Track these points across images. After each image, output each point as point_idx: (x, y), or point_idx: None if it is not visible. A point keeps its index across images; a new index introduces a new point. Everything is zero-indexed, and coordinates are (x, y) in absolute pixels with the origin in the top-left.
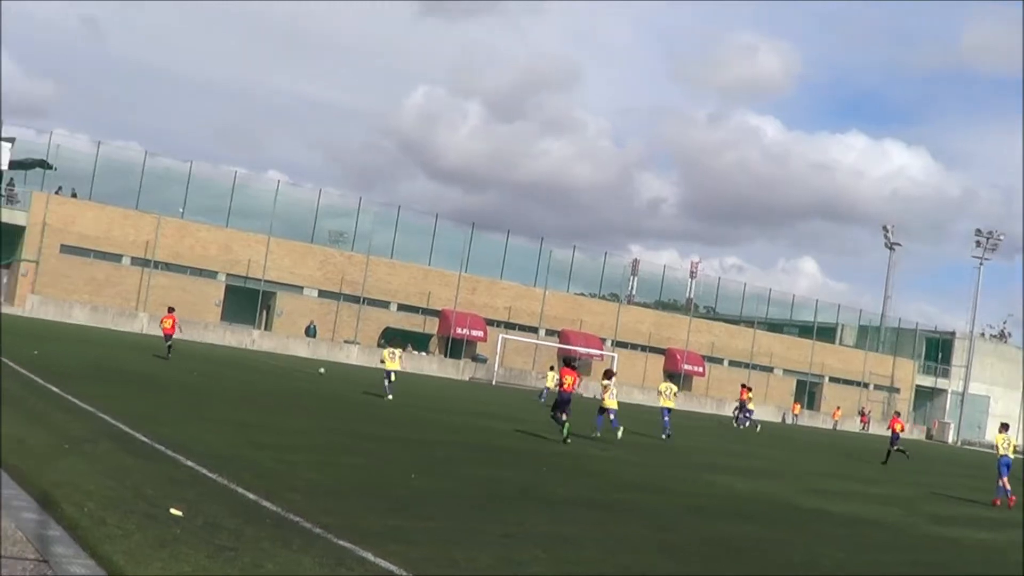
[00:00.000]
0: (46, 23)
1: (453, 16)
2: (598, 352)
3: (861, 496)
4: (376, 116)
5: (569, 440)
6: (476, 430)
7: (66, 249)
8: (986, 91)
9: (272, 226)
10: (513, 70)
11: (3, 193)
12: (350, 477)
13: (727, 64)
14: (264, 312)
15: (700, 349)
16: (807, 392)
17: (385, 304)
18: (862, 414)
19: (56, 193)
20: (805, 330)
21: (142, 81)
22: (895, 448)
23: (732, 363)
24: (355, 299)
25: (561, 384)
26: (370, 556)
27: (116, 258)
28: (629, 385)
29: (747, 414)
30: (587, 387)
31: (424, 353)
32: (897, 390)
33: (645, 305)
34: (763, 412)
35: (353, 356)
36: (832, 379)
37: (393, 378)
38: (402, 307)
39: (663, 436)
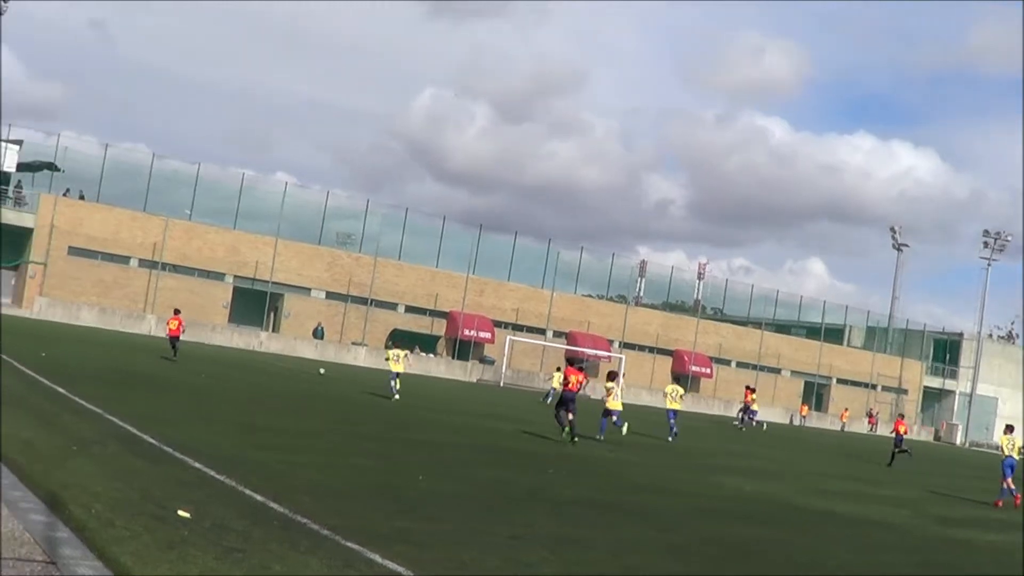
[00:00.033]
0: (54, 25)
1: (460, 18)
2: (606, 353)
3: (868, 497)
4: (383, 118)
5: (576, 440)
6: (483, 432)
7: (74, 251)
8: (995, 92)
9: (280, 228)
10: (521, 72)
11: (11, 195)
12: (357, 479)
13: (735, 65)
14: (272, 314)
15: (708, 350)
16: (815, 393)
17: (393, 306)
18: (870, 415)
19: (64, 195)
20: (813, 331)
21: (150, 83)
22: (899, 450)
23: (740, 364)
24: (363, 301)
25: (565, 383)
26: (378, 558)
27: (124, 260)
28: (637, 387)
29: (751, 415)
30: (594, 388)
31: (432, 355)
32: (905, 391)
33: (653, 307)
34: (771, 414)
35: (361, 358)
36: (840, 380)
37: (398, 381)
38: (410, 309)
39: (669, 438)
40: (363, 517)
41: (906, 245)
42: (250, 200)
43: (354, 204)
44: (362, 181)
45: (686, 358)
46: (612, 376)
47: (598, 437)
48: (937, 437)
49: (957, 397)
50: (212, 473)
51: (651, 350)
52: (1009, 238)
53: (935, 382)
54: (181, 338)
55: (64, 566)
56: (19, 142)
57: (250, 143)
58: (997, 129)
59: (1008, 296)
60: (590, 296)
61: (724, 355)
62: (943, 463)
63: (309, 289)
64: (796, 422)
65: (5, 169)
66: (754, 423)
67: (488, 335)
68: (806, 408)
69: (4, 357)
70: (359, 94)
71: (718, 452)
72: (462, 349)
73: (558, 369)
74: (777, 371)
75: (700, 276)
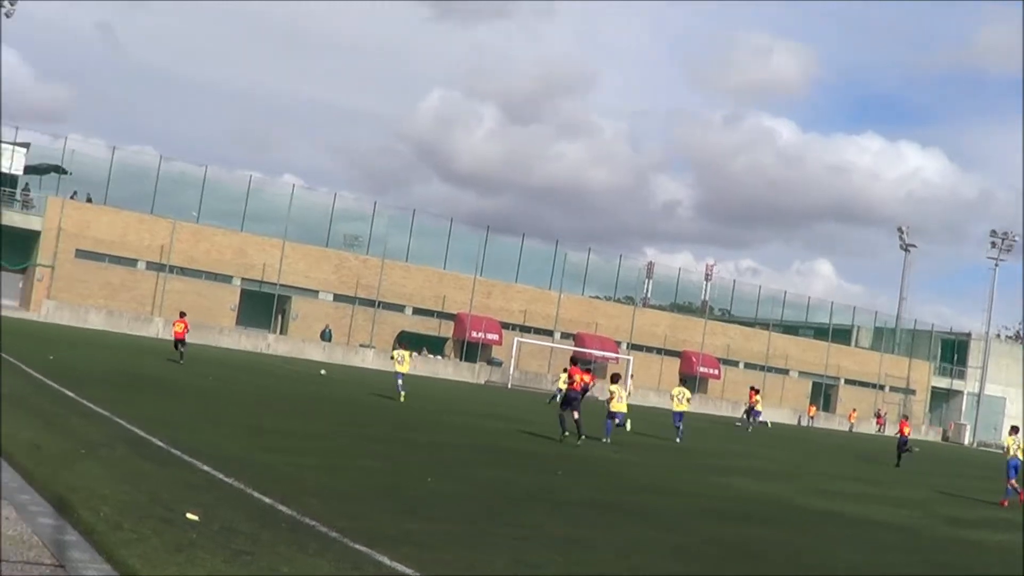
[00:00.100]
0: (61, 28)
1: (468, 20)
2: (613, 355)
3: (875, 498)
4: (391, 120)
5: (583, 438)
6: (490, 433)
7: (81, 254)
8: (1002, 92)
9: (287, 230)
10: (529, 74)
11: (19, 198)
12: (365, 481)
13: (742, 66)
14: (279, 316)
15: (715, 352)
16: (823, 394)
17: (400, 308)
18: (878, 416)
19: (71, 198)
20: (820, 332)
21: (157, 86)
22: (904, 451)
23: (748, 365)
24: (370, 303)
25: (570, 382)
26: (386, 560)
27: (131, 263)
28: (645, 388)
29: (755, 416)
30: (602, 390)
31: (439, 356)
32: (913, 392)
33: (660, 308)
34: (779, 415)
35: (368, 360)
36: (848, 381)
37: (402, 381)
38: (417, 311)
39: (677, 439)
40: (371, 519)
41: (914, 245)
42: (257, 202)
43: (361, 206)
44: (369, 183)
45: (694, 359)
46: (616, 378)
47: (604, 440)
48: (945, 437)
49: (965, 397)
50: (220, 476)
51: (659, 351)
52: (1016, 238)
53: (943, 382)
54: (186, 340)
55: (72, 569)
56: (26, 145)
57: (257, 145)
58: (1005, 129)
59: (1016, 296)
60: (598, 297)
61: (732, 356)
62: (951, 463)
63: (317, 291)
64: (804, 423)
65: (12, 172)
66: (757, 423)
67: (496, 337)
68: (814, 409)
69: (13, 360)
70: (366, 96)
71: (724, 453)
72: (470, 351)
73: (564, 370)
74: (785, 372)
75: (707, 277)
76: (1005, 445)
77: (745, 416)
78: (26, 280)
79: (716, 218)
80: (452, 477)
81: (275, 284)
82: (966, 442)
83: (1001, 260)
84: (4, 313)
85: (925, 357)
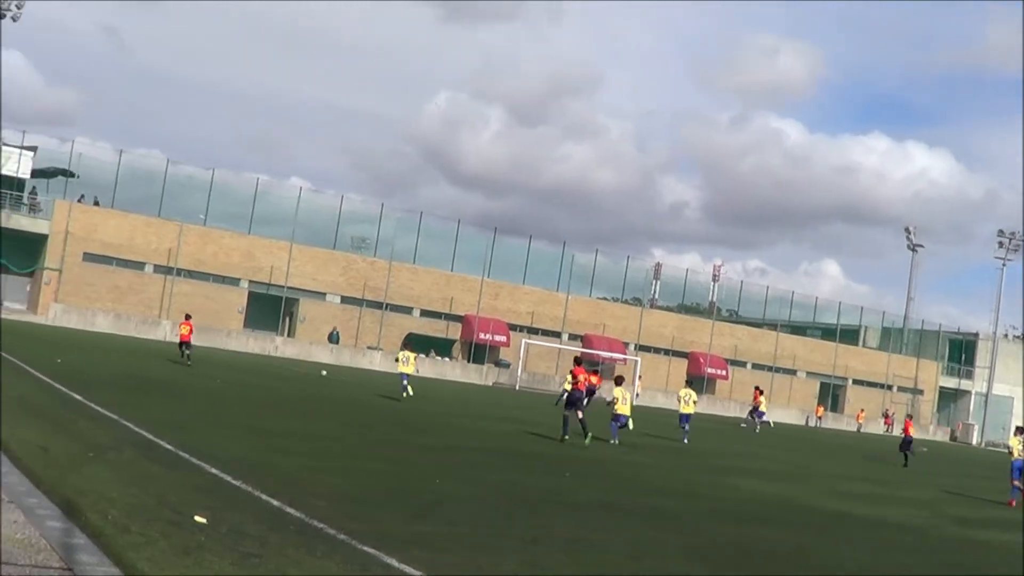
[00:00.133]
0: (68, 31)
1: (475, 21)
2: (621, 356)
3: (885, 499)
4: (398, 122)
5: (589, 436)
6: (498, 435)
7: (89, 257)
8: (1009, 92)
9: (294, 233)
10: (535, 75)
11: (26, 202)
12: (373, 483)
13: (749, 67)
14: (287, 319)
15: (723, 352)
16: (831, 395)
17: (408, 310)
18: (886, 416)
19: (79, 201)
20: (828, 332)
21: (164, 88)
22: (908, 450)
23: (755, 366)
24: (378, 305)
25: (573, 382)
26: (394, 562)
27: (139, 266)
28: (653, 389)
29: (759, 416)
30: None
31: (447, 358)
32: (921, 392)
33: (668, 309)
34: (787, 415)
35: (376, 362)
36: (856, 381)
37: (407, 382)
38: (425, 313)
39: (685, 440)
40: (379, 521)
41: (921, 246)
42: (265, 205)
43: (368, 208)
44: (376, 185)
45: (701, 360)
46: (619, 381)
47: (612, 442)
48: (953, 437)
49: (973, 397)
50: (228, 478)
51: (666, 352)
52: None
53: (951, 382)
54: (191, 342)
55: (80, 572)
56: (34, 148)
57: (264, 148)
58: (1011, 129)
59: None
60: (605, 299)
61: (739, 357)
62: (959, 463)
63: (324, 294)
64: (812, 423)
65: (20, 175)
66: (760, 423)
67: (503, 338)
68: (822, 409)
69: (21, 364)
70: (374, 98)
71: (733, 454)
72: (477, 352)
73: (571, 371)
74: (793, 372)
75: (715, 278)
76: (1010, 446)
77: (750, 416)
78: (34, 283)
79: (723, 219)
80: (460, 479)
81: (283, 287)
82: (974, 442)
83: (1008, 260)
84: (12, 317)
85: (933, 357)
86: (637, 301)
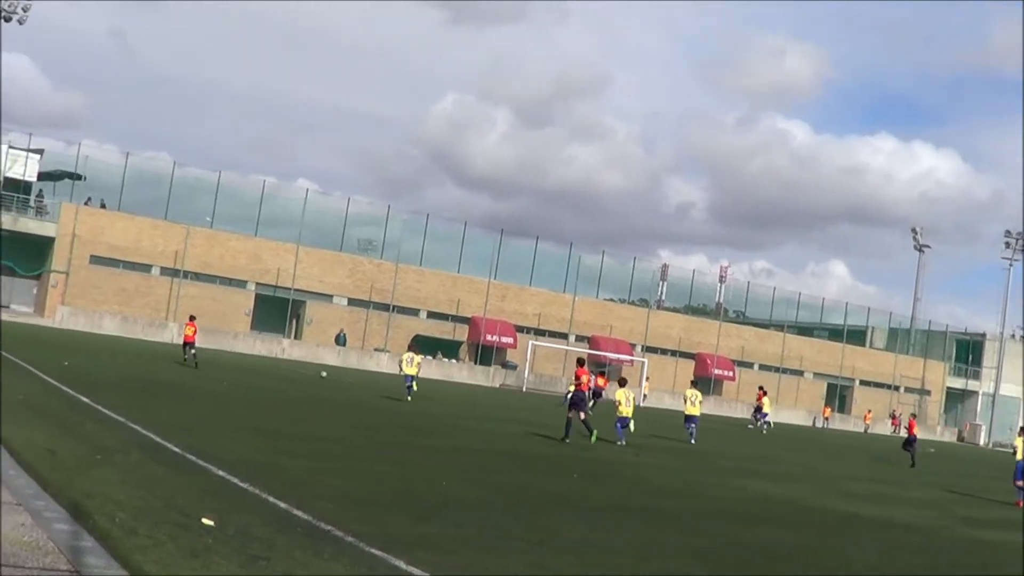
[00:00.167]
0: (74, 34)
1: (481, 24)
2: (628, 357)
3: (893, 499)
4: (404, 124)
5: (595, 433)
6: (505, 436)
7: (96, 260)
8: (1016, 93)
9: (301, 235)
10: (542, 77)
11: (33, 205)
12: (380, 485)
13: (755, 68)
14: (294, 321)
15: (730, 353)
16: (838, 395)
17: (415, 312)
18: (893, 417)
19: (85, 204)
20: (835, 333)
21: (170, 91)
22: (911, 449)
23: (762, 367)
24: (384, 307)
25: (576, 383)
26: (402, 564)
27: (146, 268)
28: (659, 390)
29: (762, 416)
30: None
31: (454, 360)
32: (928, 392)
33: (675, 310)
34: (794, 416)
35: (383, 364)
36: (863, 382)
37: (415, 384)
38: (432, 314)
39: (692, 440)
40: (386, 523)
41: (928, 246)
42: (271, 207)
43: (375, 210)
44: (383, 187)
45: (708, 361)
46: (623, 383)
47: (618, 443)
48: (960, 438)
49: (980, 398)
50: (235, 481)
51: (673, 353)
52: None
53: (958, 383)
54: (196, 343)
55: (88, 575)
56: (40, 151)
57: (271, 150)
58: (1018, 130)
59: None
60: (612, 300)
61: (746, 358)
62: (966, 464)
63: (331, 296)
64: (819, 424)
65: (27, 178)
66: (763, 423)
67: (510, 340)
68: (829, 410)
69: (28, 367)
70: (380, 100)
71: (739, 455)
72: (484, 354)
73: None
74: (800, 373)
75: (722, 279)
76: (1015, 446)
77: (753, 417)
78: (40, 286)
79: (730, 220)
80: (467, 481)
81: (289, 289)
82: (981, 442)
83: (1015, 260)
84: (19, 319)
85: (940, 358)
86: (644, 302)
